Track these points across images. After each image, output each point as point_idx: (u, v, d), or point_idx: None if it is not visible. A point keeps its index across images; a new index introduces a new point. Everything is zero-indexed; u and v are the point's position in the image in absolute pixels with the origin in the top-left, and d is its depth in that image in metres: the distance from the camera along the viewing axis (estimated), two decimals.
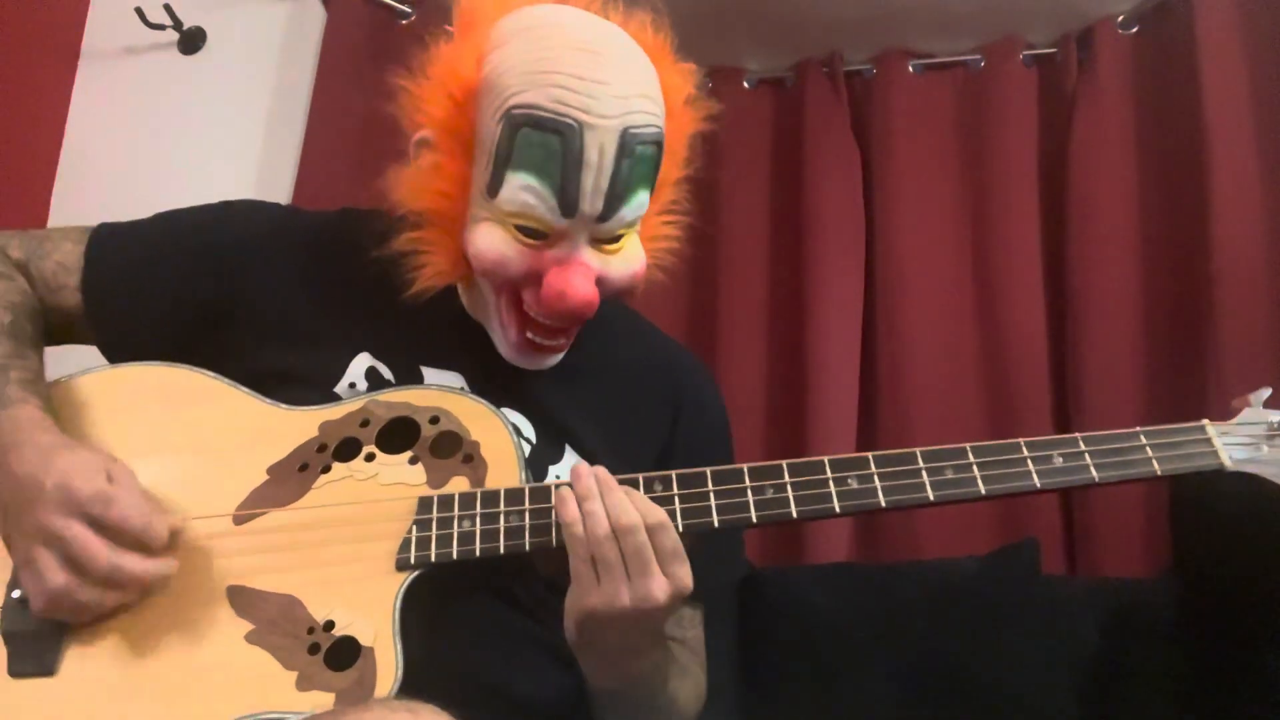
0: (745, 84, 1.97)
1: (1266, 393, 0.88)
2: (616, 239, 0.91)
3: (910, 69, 1.88)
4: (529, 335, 0.94)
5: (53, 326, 1.00)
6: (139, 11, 1.93)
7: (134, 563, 0.81)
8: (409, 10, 1.95)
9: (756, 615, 1.45)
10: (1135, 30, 1.78)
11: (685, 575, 0.82)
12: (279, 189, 1.88)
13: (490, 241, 0.89)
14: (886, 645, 1.38)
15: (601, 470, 0.84)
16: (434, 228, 0.93)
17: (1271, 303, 1.54)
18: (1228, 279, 1.55)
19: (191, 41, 2.00)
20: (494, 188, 0.88)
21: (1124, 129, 1.74)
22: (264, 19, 2.02)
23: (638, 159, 0.88)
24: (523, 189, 0.86)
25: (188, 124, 1.98)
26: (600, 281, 0.91)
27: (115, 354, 1.00)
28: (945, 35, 1.87)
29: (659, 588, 0.80)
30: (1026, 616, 1.36)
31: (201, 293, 0.99)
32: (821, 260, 1.80)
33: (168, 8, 1.95)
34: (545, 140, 0.85)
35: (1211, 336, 1.54)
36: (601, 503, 0.82)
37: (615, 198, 0.87)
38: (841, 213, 1.82)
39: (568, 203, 0.86)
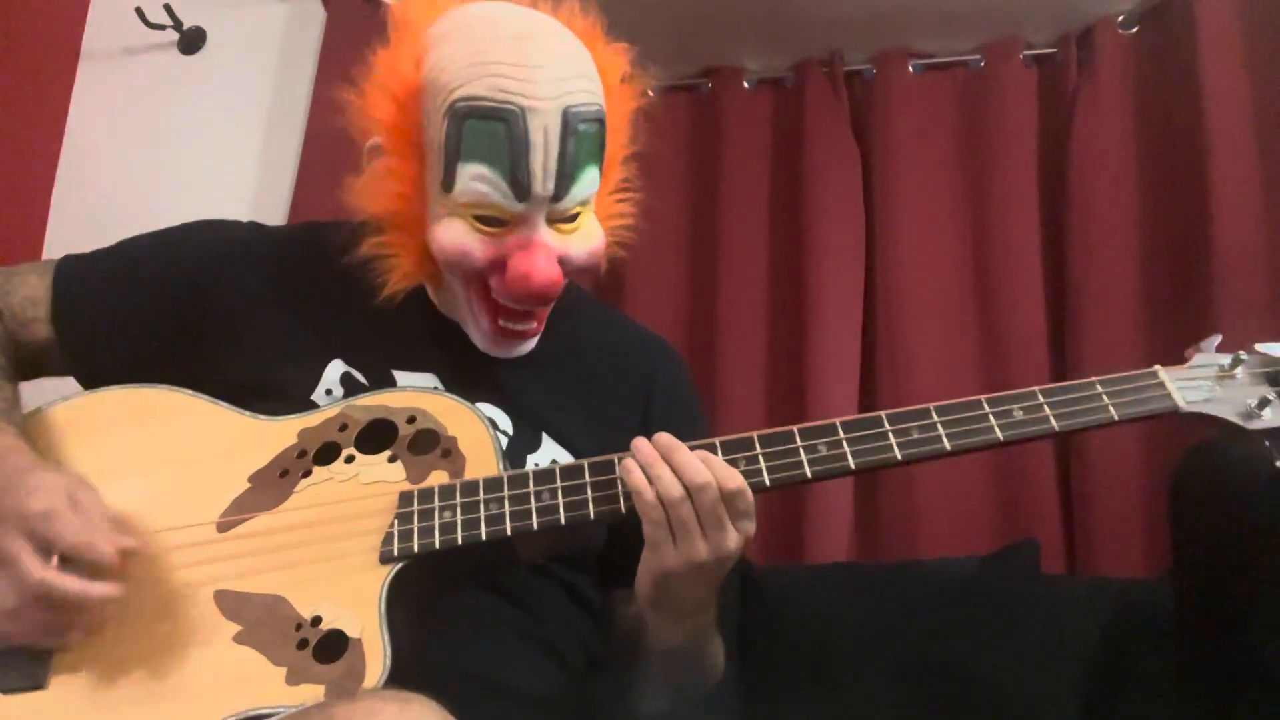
0: (745, 84, 1.97)
1: (1217, 339, 0.90)
2: (573, 218, 0.94)
3: (910, 69, 1.88)
4: (501, 323, 0.96)
5: (26, 362, 1.01)
6: (139, 11, 1.94)
7: (66, 582, 0.80)
8: None
9: (756, 615, 1.45)
10: (1135, 30, 1.78)
11: (752, 526, 0.85)
12: (279, 189, 1.89)
13: (452, 235, 0.91)
14: (886, 645, 1.38)
15: (665, 435, 0.86)
16: (396, 230, 0.95)
17: (1271, 302, 1.54)
18: (1227, 278, 1.55)
19: (191, 41, 2.00)
20: (448, 182, 0.90)
21: (1124, 129, 1.74)
22: (264, 19, 2.02)
23: (582, 136, 0.90)
24: (475, 179, 0.89)
25: (188, 124, 1.98)
26: (562, 261, 0.93)
27: (90, 381, 1.01)
28: (945, 35, 1.87)
29: (732, 538, 0.83)
30: (1026, 616, 1.36)
31: (171, 312, 1.01)
32: (821, 260, 1.80)
33: (168, 8, 1.95)
34: (491, 128, 0.88)
35: (1210, 335, 1.54)
36: (668, 466, 0.84)
37: (565, 176, 0.90)
38: (841, 213, 1.82)
39: (520, 186, 0.89)
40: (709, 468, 0.83)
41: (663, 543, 0.84)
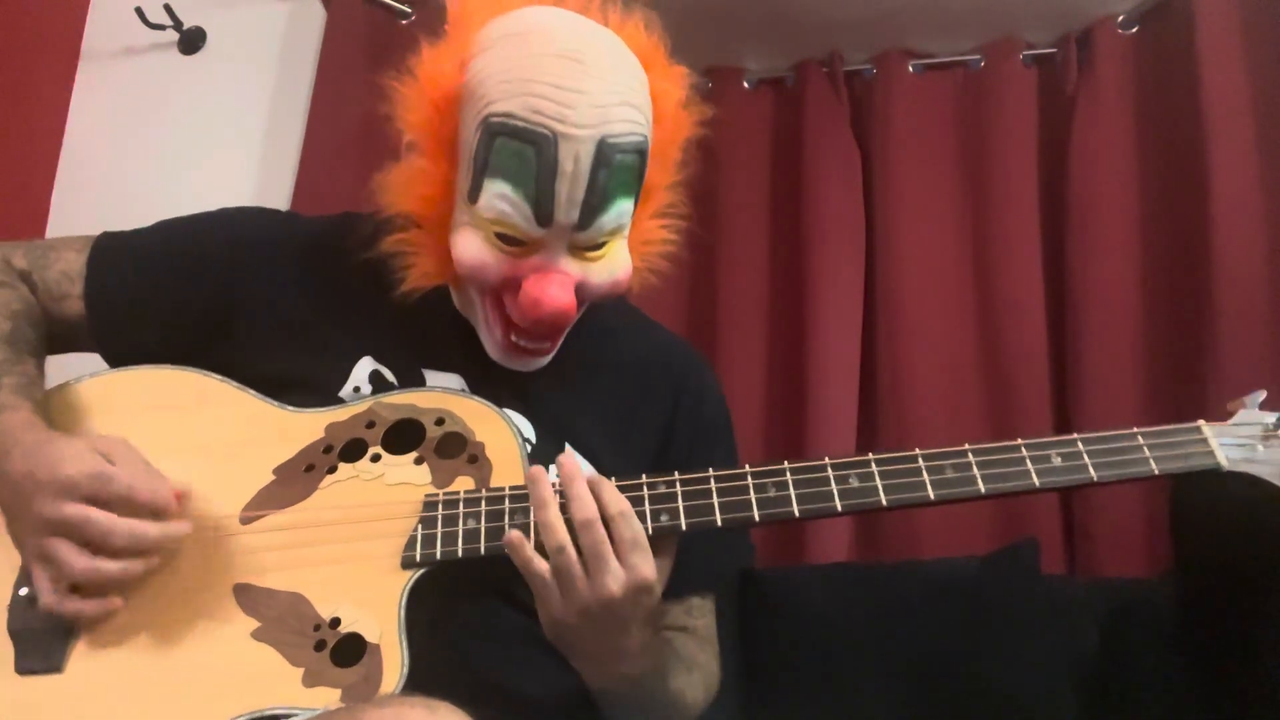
0: (745, 84, 1.97)
1: (1262, 395, 0.89)
2: (599, 246, 0.91)
3: (910, 69, 1.88)
4: (513, 338, 0.95)
5: (56, 335, 1.01)
6: (139, 11, 1.94)
7: (150, 526, 0.82)
8: (409, 10, 1.95)
9: (756, 615, 1.45)
10: (1135, 30, 1.78)
11: (644, 566, 0.81)
12: (279, 189, 1.88)
13: (470, 247, 0.90)
14: (886, 645, 1.38)
15: (568, 463, 0.84)
16: (420, 230, 0.94)
17: (1271, 303, 1.54)
18: (1228, 279, 1.55)
19: (191, 41, 2.00)
20: (474, 194, 0.88)
21: (1124, 129, 1.74)
22: (264, 19, 2.02)
23: (615, 168, 0.87)
24: (499, 198, 0.87)
25: (188, 124, 1.98)
26: (581, 288, 0.91)
27: (119, 361, 1.00)
28: (945, 35, 1.87)
29: (614, 579, 0.80)
30: (1026, 616, 1.36)
31: (204, 300, 1.00)
32: (821, 260, 1.80)
33: (168, 8, 1.95)
34: (520, 150, 0.85)
35: (1211, 337, 1.54)
36: (556, 509, 0.82)
37: (592, 207, 0.87)
38: (841, 213, 1.82)
39: (543, 213, 0.86)
40: (598, 493, 0.82)
41: (547, 598, 0.82)
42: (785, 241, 1.87)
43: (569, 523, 0.82)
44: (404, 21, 1.95)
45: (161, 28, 1.96)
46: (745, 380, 1.81)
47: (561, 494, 0.83)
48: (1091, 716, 1.29)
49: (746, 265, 1.86)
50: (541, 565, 0.82)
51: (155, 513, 0.83)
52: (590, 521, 0.81)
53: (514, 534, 0.83)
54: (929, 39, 1.88)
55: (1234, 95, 1.63)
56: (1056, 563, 1.58)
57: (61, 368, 1.00)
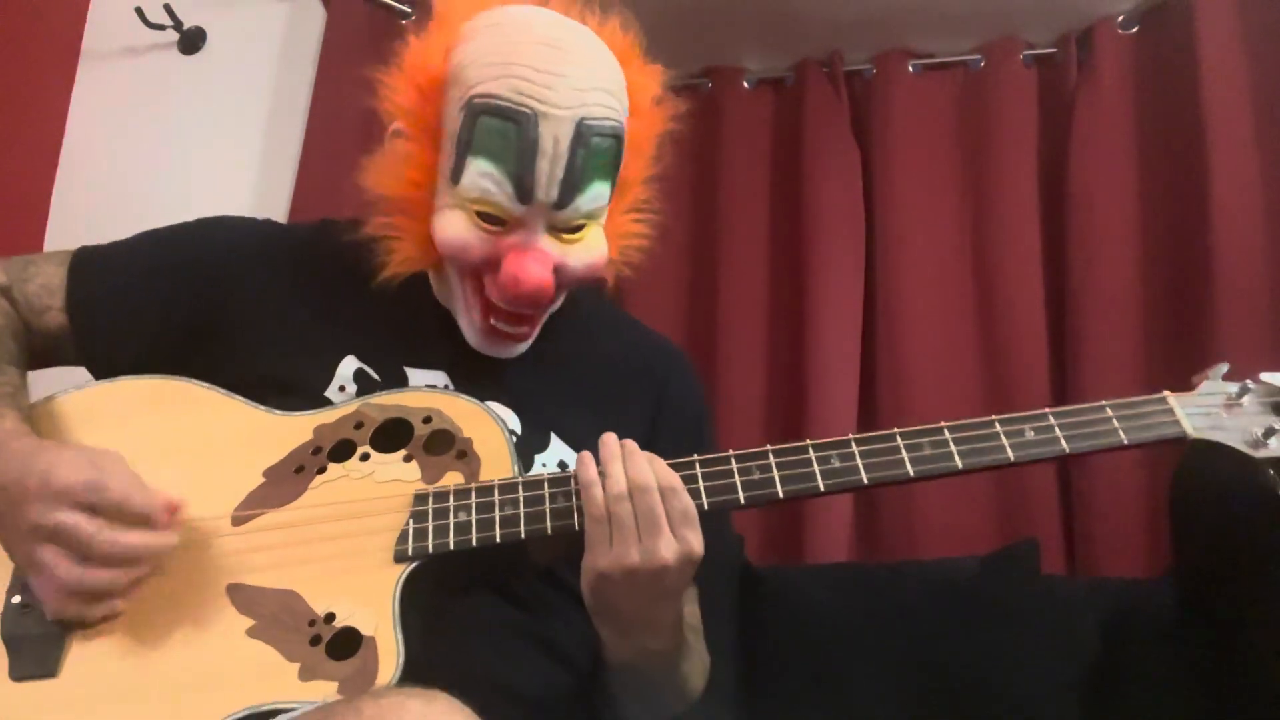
0: (745, 84, 1.97)
1: (1224, 367, 0.91)
2: (577, 229, 0.94)
3: (910, 69, 1.89)
4: (493, 322, 0.96)
5: (38, 349, 1.01)
6: (139, 11, 1.94)
7: (138, 537, 0.82)
8: (409, 10, 1.95)
9: (756, 615, 1.45)
10: (1135, 30, 1.78)
11: (694, 539, 0.83)
12: (279, 189, 1.89)
13: (453, 227, 0.92)
14: (886, 645, 1.38)
15: (629, 441, 0.87)
16: (403, 214, 0.96)
17: (1271, 302, 1.55)
18: (1227, 278, 1.55)
19: (191, 41, 2.00)
20: (456, 174, 0.91)
21: (1124, 129, 1.74)
22: (264, 19, 2.02)
23: (593, 150, 0.91)
24: (481, 175, 0.90)
25: (188, 124, 1.98)
26: (559, 269, 0.93)
27: (102, 372, 1.00)
28: (945, 35, 1.88)
29: (667, 546, 0.82)
30: (1026, 616, 1.36)
31: (186, 308, 1.01)
32: (821, 260, 1.80)
33: (168, 8, 1.95)
34: (503, 128, 0.89)
35: (1210, 336, 1.54)
36: (622, 464, 0.84)
37: (570, 186, 0.90)
38: (841, 212, 1.83)
39: (523, 189, 0.89)
40: (652, 469, 0.84)
41: (599, 541, 0.84)
42: (785, 241, 1.87)
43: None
44: (404, 21, 1.95)
45: (161, 28, 1.96)
46: (746, 379, 1.81)
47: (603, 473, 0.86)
48: (1091, 716, 1.29)
49: (746, 265, 1.87)
50: (600, 495, 0.84)
51: (146, 523, 0.83)
52: (648, 486, 0.83)
53: (584, 453, 0.86)
54: (929, 39, 1.89)
55: (1234, 95, 1.63)
56: (1056, 563, 1.58)
57: (45, 386, 0.99)
